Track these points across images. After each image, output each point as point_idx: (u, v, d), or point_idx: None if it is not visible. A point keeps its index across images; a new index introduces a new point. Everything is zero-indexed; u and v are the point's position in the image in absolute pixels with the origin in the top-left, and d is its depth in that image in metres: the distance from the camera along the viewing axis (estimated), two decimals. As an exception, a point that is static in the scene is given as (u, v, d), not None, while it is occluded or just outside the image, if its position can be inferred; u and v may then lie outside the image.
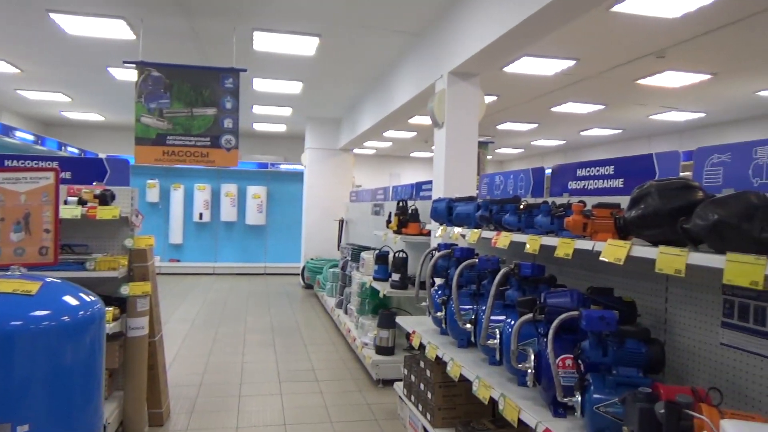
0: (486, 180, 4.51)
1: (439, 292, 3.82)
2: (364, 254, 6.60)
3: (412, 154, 18.20)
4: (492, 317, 3.08)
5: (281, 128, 12.71)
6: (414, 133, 13.14)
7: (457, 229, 3.77)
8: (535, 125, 11.32)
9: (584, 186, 3.21)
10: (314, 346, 6.53)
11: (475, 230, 3.49)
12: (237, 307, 8.87)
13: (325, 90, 8.65)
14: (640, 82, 7.38)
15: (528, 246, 2.82)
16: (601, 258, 2.20)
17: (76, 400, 2.08)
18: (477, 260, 3.25)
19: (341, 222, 10.63)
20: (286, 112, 10.50)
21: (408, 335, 4.28)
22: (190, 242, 13.15)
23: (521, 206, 3.09)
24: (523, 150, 16.03)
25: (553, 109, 9.41)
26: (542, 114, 9.97)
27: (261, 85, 8.25)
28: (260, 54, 6.65)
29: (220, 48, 6.36)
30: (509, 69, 6.89)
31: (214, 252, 13.26)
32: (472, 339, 3.27)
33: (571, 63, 6.58)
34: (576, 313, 2.23)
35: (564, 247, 2.51)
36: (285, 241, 13.41)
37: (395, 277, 5.31)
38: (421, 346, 3.82)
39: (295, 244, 13.02)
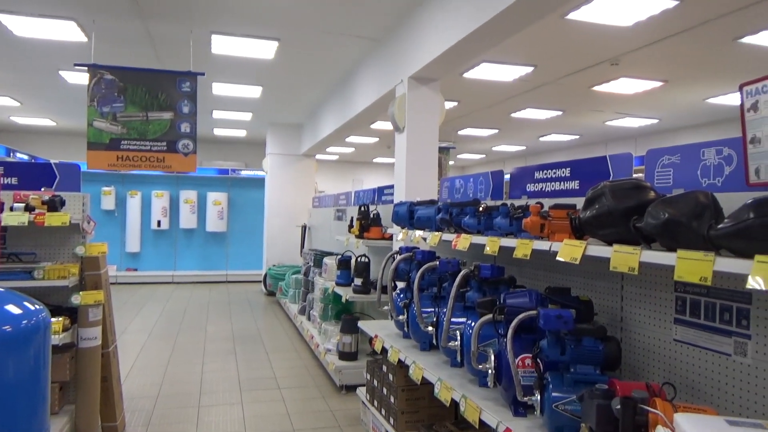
0: (446, 184, 4.53)
1: (401, 295, 3.81)
2: (326, 260, 6.55)
3: (374, 160, 18.22)
4: (453, 319, 3.08)
5: (242, 133, 12.55)
6: (376, 139, 13.15)
7: (419, 233, 3.77)
8: (496, 131, 11.48)
9: (542, 188, 3.26)
10: (276, 354, 6.43)
11: (436, 233, 3.50)
12: (197, 315, 8.67)
13: (285, 95, 8.58)
14: (596, 88, 7.58)
15: (487, 248, 2.84)
16: (558, 258, 2.23)
17: (19, 414, 1.97)
18: (438, 263, 3.26)
19: (304, 228, 10.54)
20: (247, 117, 10.37)
21: (371, 340, 4.26)
22: (148, 250, 12.82)
23: (481, 209, 3.11)
24: (484, 156, 16.25)
25: (513, 114, 9.56)
26: (502, 120, 10.12)
27: (220, 89, 8.12)
28: (218, 57, 6.55)
29: (177, 51, 6.24)
30: (469, 75, 6.97)
31: (173, 260, 12.95)
32: (434, 342, 3.27)
33: (529, 69, 6.70)
34: (534, 312, 2.24)
35: (522, 247, 2.54)
36: (247, 248, 13.21)
37: (357, 281, 5.29)
38: (384, 350, 3.80)
39: (257, 251, 12.85)
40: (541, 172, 3.27)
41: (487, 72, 6.81)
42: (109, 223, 12.59)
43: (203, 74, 5.61)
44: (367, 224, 5.35)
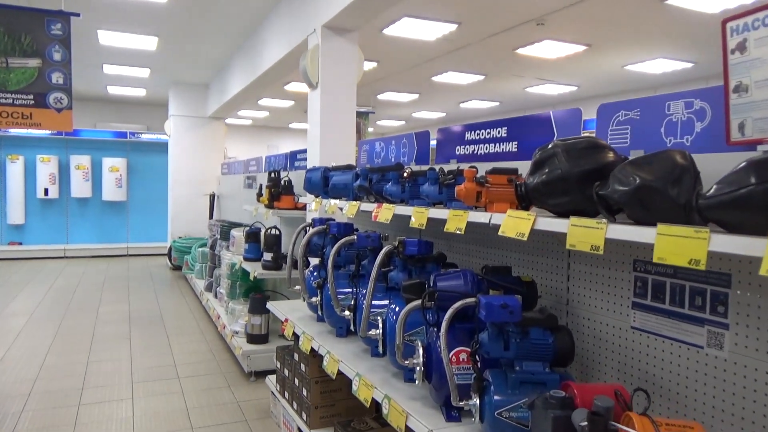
0: (365, 147, 4.06)
1: (314, 273, 3.34)
2: (234, 232, 5.94)
3: (290, 125, 17.39)
4: (373, 303, 2.65)
5: (140, 93, 11.37)
6: (292, 102, 12.40)
7: (334, 202, 3.29)
8: (416, 96, 11.09)
9: (474, 151, 2.86)
10: (179, 337, 5.80)
11: (354, 202, 3.03)
12: (89, 294, 7.77)
13: (186, 48, 7.68)
14: (520, 51, 7.31)
15: (413, 219, 2.42)
16: (500, 233, 1.83)
17: None
18: (356, 237, 2.80)
19: (212, 197, 9.75)
20: (144, 73, 9.30)
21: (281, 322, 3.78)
22: (34, 222, 11.49)
23: (405, 174, 2.67)
24: (404, 122, 15.89)
25: (434, 78, 9.18)
26: (423, 84, 9.72)
27: (108, 38, 7.11)
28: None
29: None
30: (389, 32, 6.46)
31: (65, 232, 11.71)
32: (353, 327, 2.84)
33: (453, 27, 6.29)
34: (473, 300, 1.84)
35: (455, 220, 2.13)
36: (150, 219, 12.17)
37: (267, 256, 4.74)
38: (295, 337, 3.33)
39: (161, 221, 11.85)
40: (472, 132, 2.86)
41: (408, 29, 6.32)
42: (-14, 191, 11.12)
43: (78, 15, 4.73)
44: (277, 193, 4.79)
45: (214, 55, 8.09)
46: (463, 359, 1.99)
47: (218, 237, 6.67)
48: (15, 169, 11.07)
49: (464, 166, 2.43)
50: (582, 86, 9.81)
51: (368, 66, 8.24)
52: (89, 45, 7.51)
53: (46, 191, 11.26)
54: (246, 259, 5.19)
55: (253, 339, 4.76)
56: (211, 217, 9.68)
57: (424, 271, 2.50)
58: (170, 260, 9.89)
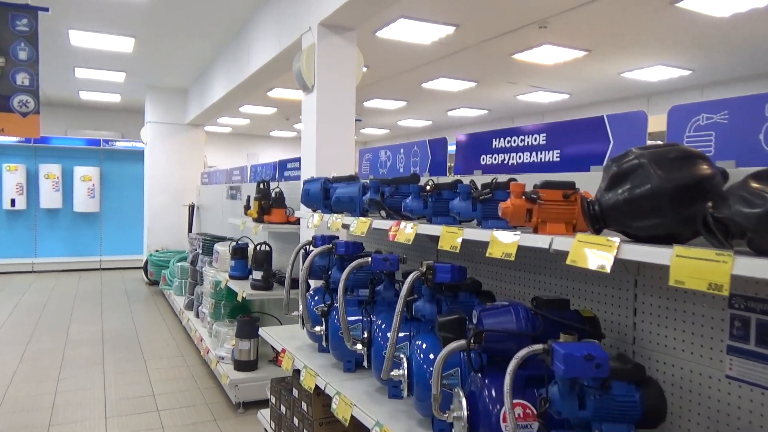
0: (368, 156, 3.69)
1: (316, 298, 2.96)
2: (218, 246, 5.50)
3: (272, 133, 16.94)
4: (387, 334, 2.30)
5: (115, 98, 10.84)
6: (274, 109, 11.99)
7: (337, 218, 2.92)
8: (404, 103, 10.78)
9: (503, 160, 2.52)
10: (157, 361, 5.33)
11: (363, 219, 2.66)
12: (59, 312, 7.23)
13: (164, 50, 7.24)
14: (516, 56, 7.04)
15: (443, 241, 2.06)
16: (569, 262, 1.48)
17: None
18: (371, 259, 2.43)
19: (191, 207, 9.27)
20: (119, 77, 8.82)
21: (275, 352, 3.38)
22: (0, 234, 10.83)
23: (428, 186, 2.31)
24: (388, 131, 15.57)
25: (425, 84, 8.87)
26: (412, 90, 9.40)
27: (80, 39, 6.64)
28: (74, -6, 5.17)
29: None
30: (383, 34, 6.13)
31: (33, 245, 11.08)
32: (365, 363, 2.46)
33: (450, 30, 5.98)
34: (540, 348, 1.48)
35: (502, 245, 1.77)
36: (124, 231, 11.60)
37: (257, 275, 4.34)
38: (295, 371, 2.93)
39: (136, 233, 11.29)
40: (502, 139, 2.52)
41: (404, 30, 6.00)
42: (-52, 202, 10.45)
43: (47, 10, 4.29)
44: (268, 205, 4.39)
45: (194, 58, 7.66)
46: (520, 414, 1.64)
47: (200, 252, 6.23)
48: (-21, 178, 10.44)
49: (494, 179, 2.08)
50: (574, 94, 9.61)
51: (357, 71, 7.88)
52: (59, 46, 7.03)
53: (12, 202, 10.64)
54: (232, 277, 4.78)
55: (241, 366, 4.34)
56: (190, 229, 9.20)
57: (456, 301, 2.14)
58: (146, 275, 9.36)
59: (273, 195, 4.40)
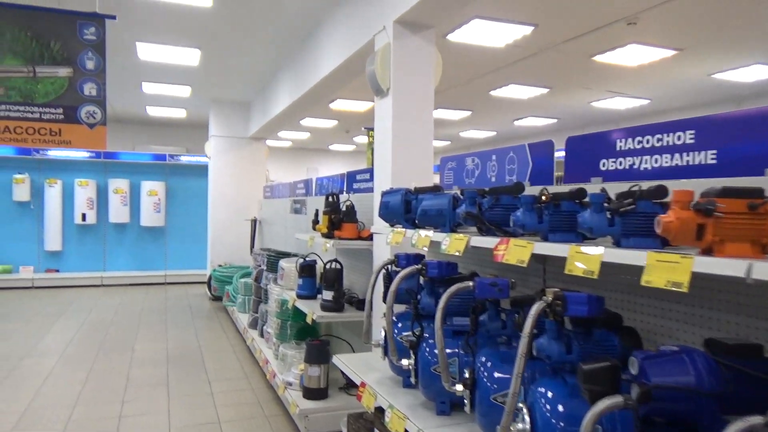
0: (451, 164, 3.32)
1: (399, 325, 2.60)
2: (283, 263, 5.25)
3: (331, 147, 16.87)
4: (498, 375, 1.91)
5: (181, 113, 10.96)
6: (335, 122, 11.83)
7: (427, 233, 2.55)
8: (469, 113, 10.36)
9: (632, 164, 2.09)
10: (222, 383, 5.10)
11: (458, 235, 2.28)
12: (125, 329, 7.19)
13: (229, 62, 7.15)
14: (597, 58, 6.52)
15: (571, 264, 1.66)
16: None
17: None
18: (473, 284, 2.04)
19: (254, 222, 9.16)
20: (185, 92, 8.85)
21: (346, 378, 3.04)
22: (71, 248, 11.10)
23: (543, 196, 1.91)
24: (449, 142, 15.17)
25: (493, 92, 8.44)
26: (479, 99, 8.99)
27: (148, 52, 6.62)
28: (140, 3, 5.08)
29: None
30: (454, 37, 5.77)
31: (103, 259, 11.28)
32: (467, 408, 2.06)
33: (528, 30, 5.56)
34: (761, 421, 1.05)
35: (669, 271, 1.35)
36: (188, 245, 11.67)
37: (327, 295, 4.02)
38: (378, 409, 2.57)
39: (200, 247, 11.33)
40: (630, 140, 2.09)
41: (478, 32, 5.62)
42: (24, 216, 10.80)
43: (114, 17, 4.18)
44: (338, 220, 4.08)
45: (258, 70, 7.55)
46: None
47: (264, 268, 6.00)
48: (53, 193, 10.74)
49: (636, 186, 1.66)
50: (655, 99, 8.93)
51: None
52: (128, 60, 7.05)
53: (83, 216, 10.88)
54: (300, 296, 4.49)
55: (310, 394, 4.01)
56: (252, 243, 9.08)
57: (590, 339, 1.72)
58: (210, 290, 9.29)
59: (344, 208, 4.09)
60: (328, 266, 4.10)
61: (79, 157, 10.83)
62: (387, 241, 2.93)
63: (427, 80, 3.71)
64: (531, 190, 2.18)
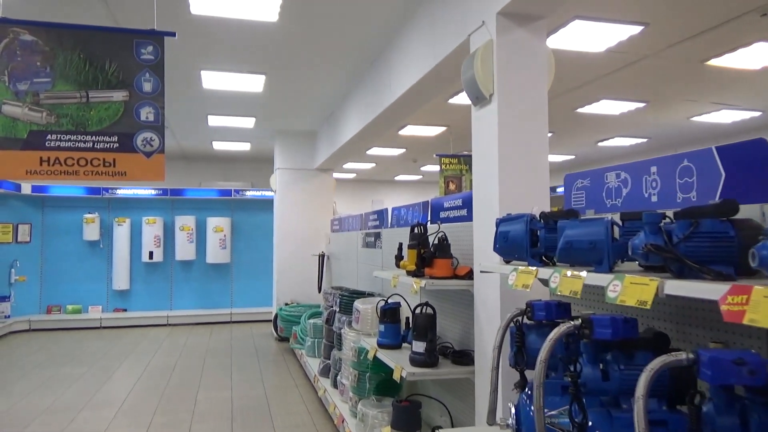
0: (581, 183, 2.59)
1: (529, 398, 1.86)
2: (359, 305, 4.61)
3: (396, 178, 16.35)
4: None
5: (245, 147, 10.72)
6: (402, 150, 11.29)
7: (577, 273, 1.83)
8: (549, 134, 9.54)
9: None
10: (291, 444, 4.46)
11: (641, 278, 1.55)
12: (189, 373, 6.72)
13: (295, 87, 6.73)
14: (713, 62, 5.65)
15: None
16: None
17: None
18: (693, 357, 1.30)
19: (321, 257, 8.62)
20: (249, 123, 8.54)
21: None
22: (138, 287, 10.94)
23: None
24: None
25: (580, 109, 7.64)
26: (563, 117, 8.19)
27: (212, 80, 6.30)
28: (200, 21, 4.69)
29: (138, 11, 4.39)
30: (550, 42, 5.06)
31: (169, 298, 11.06)
32: None
33: (637, 30, 4.79)
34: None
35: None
36: (254, 282, 11.30)
37: (418, 346, 3.32)
38: None
39: (266, 284, 10.93)
40: None
41: (576, 36, 4.91)
42: (94, 256, 10.76)
43: (173, 35, 3.76)
44: (429, 255, 3.40)
45: (325, 95, 7.10)
46: None
47: (337, 309, 5.38)
48: (121, 232, 10.66)
49: None
50: (769, 110, 7.85)
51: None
52: (194, 92, 6.78)
53: (150, 254, 10.72)
54: (382, 345, 3.81)
55: (400, 469, 3.30)
56: (320, 280, 8.53)
57: (631, 364, 0.95)
58: (276, 329, 8.78)
59: (437, 241, 3.42)
60: (418, 311, 3.42)
61: (147, 194, 10.74)
62: (510, 283, 2.22)
63: (539, 81, 3.03)
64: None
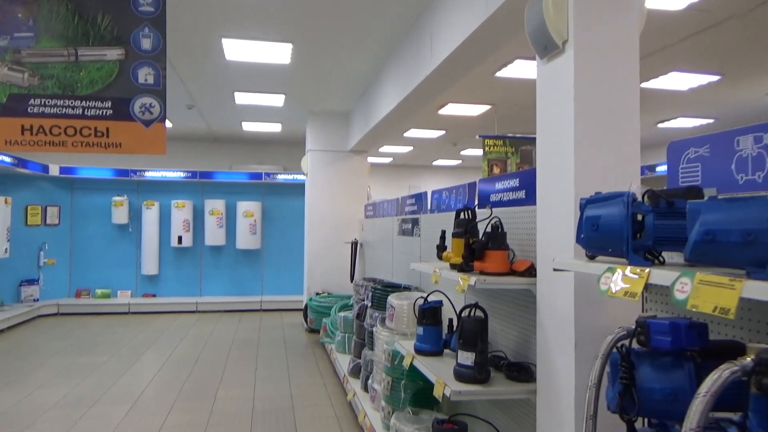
0: (691, 153, 1.91)
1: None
2: (393, 300, 4.02)
3: (434, 163, 15.65)
4: None
5: (276, 128, 10.22)
6: (441, 132, 10.60)
7: (733, 281, 1.18)
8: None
9: None
10: (315, 457, 3.92)
11: None
12: (211, 366, 6.28)
13: (325, 59, 6.14)
14: (814, 20, 4.79)
15: None
16: None
17: None
18: None
19: (354, 245, 8.06)
20: (278, 100, 8.00)
21: None
22: (167, 272, 10.64)
23: None
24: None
25: (645, 84, 6.81)
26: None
27: (235, 50, 5.76)
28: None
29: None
30: None
31: (198, 284, 10.72)
32: None
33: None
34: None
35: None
36: (286, 269, 10.85)
37: (465, 358, 2.70)
38: None
39: (297, 271, 10.47)
40: None
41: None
42: (123, 240, 10.49)
43: (177, -20, 3.19)
44: (480, 245, 2.77)
45: (359, 70, 6.49)
46: None
47: (369, 304, 4.81)
48: (150, 216, 10.34)
49: None
50: None
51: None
52: (217, 64, 6.27)
53: (180, 239, 10.37)
54: (420, 351, 3.22)
55: (441, 506, 2.70)
56: (352, 270, 7.98)
57: None
58: (306, 320, 8.29)
59: (490, 229, 2.78)
60: (465, 314, 2.80)
61: (176, 177, 10.38)
62: (602, 288, 1.58)
63: (628, 23, 2.34)
64: None
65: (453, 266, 3.03)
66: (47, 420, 4.59)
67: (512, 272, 2.75)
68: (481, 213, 3.16)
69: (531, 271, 2.70)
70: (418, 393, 3.65)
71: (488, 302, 3.28)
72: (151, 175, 10.27)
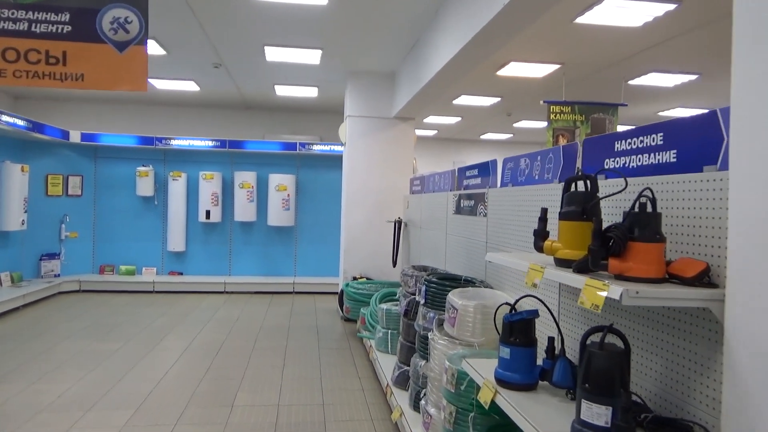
0: None
1: None
2: (455, 298, 3.05)
3: (482, 137, 14.46)
4: None
5: (312, 93, 9.23)
6: (496, 100, 9.44)
7: None
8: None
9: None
10: (351, 501, 3.01)
11: None
12: (234, 360, 5.47)
13: (370, 1, 5.09)
14: None
15: None
16: None
17: None
18: None
19: (397, 224, 7.09)
20: (314, 58, 7.01)
21: None
22: (195, 249, 9.91)
23: None
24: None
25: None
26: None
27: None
28: None
29: None
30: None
31: (228, 262, 9.97)
32: None
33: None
34: None
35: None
36: (321, 249, 10.01)
37: (595, 414, 1.69)
38: None
39: (334, 252, 9.59)
40: None
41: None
42: (148, 213, 9.79)
43: None
44: (622, 235, 1.74)
45: (407, 15, 5.43)
46: None
47: (421, 301, 3.83)
48: (177, 188, 9.58)
49: None
50: None
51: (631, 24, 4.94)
52: (241, 6, 5.30)
53: (207, 214, 9.60)
54: (506, 383, 2.23)
55: None
56: (395, 251, 7.02)
57: None
58: (341, 308, 7.41)
59: (639, 209, 1.75)
60: (590, 343, 1.79)
61: (204, 146, 9.57)
62: None
63: None
64: None
65: (561, 262, 2.03)
66: (30, 428, 3.83)
67: (672, 278, 1.72)
68: (610, 184, 2.12)
69: (702, 278, 1.67)
70: (492, 430, 2.68)
71: (612, 317, 2.25)
72: (177, 143, 9.49)
